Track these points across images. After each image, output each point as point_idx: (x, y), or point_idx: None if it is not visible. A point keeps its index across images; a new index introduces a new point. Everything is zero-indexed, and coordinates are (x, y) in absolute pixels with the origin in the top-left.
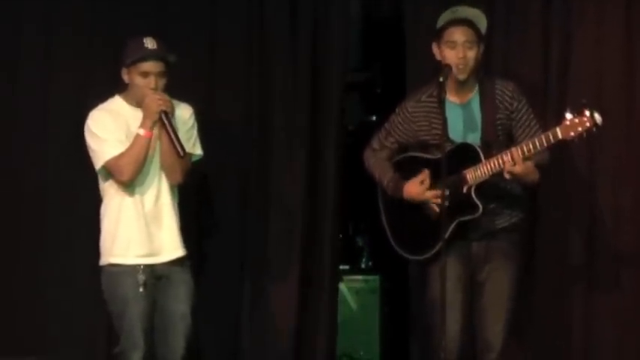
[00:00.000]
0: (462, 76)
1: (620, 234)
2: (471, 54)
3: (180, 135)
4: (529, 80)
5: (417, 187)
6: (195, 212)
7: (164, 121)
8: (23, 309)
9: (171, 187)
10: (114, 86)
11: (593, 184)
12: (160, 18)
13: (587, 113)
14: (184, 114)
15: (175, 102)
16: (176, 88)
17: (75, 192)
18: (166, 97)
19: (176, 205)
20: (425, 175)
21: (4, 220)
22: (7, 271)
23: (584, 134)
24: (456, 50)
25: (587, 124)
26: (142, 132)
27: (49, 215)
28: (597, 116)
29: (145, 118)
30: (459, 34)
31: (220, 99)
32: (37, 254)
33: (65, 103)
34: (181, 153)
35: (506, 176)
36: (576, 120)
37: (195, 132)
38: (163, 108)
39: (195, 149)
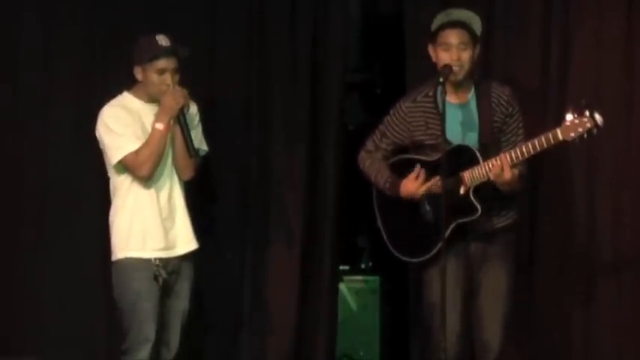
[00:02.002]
0: (457, 77)
1: (620, 235)
2: (465, 55)
3: (193, 134)
4: (528, 80)
5: (413, 183)
6: (197, 209)
7: (180, 119)
8: (23, 309)
9: (182, 182)
10: (114, 85)
11: (593, 184)
12: (159, 14)
13: (588, 114)
14: (191, 111)
15: None
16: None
17: (75, 192)
18: (185, 92)
19: (186, 199)
20: (418, 169)
21: (4, 220)
22: (6, 271)
23: (585, 135)
24: (450, 52)
25: (588, 125)
26: (160, 126)
27: (49, 215)
28: (598, 117)
29: (162, 112)
30: (453, 37)
31: (220, 96)
32: (36, 254)
33: (65, 103)
34: (192, 153)
35: (491, 176)
36: (576, 121)
37: (200, 128)
38: (183, 104)
39: (202, 145)
